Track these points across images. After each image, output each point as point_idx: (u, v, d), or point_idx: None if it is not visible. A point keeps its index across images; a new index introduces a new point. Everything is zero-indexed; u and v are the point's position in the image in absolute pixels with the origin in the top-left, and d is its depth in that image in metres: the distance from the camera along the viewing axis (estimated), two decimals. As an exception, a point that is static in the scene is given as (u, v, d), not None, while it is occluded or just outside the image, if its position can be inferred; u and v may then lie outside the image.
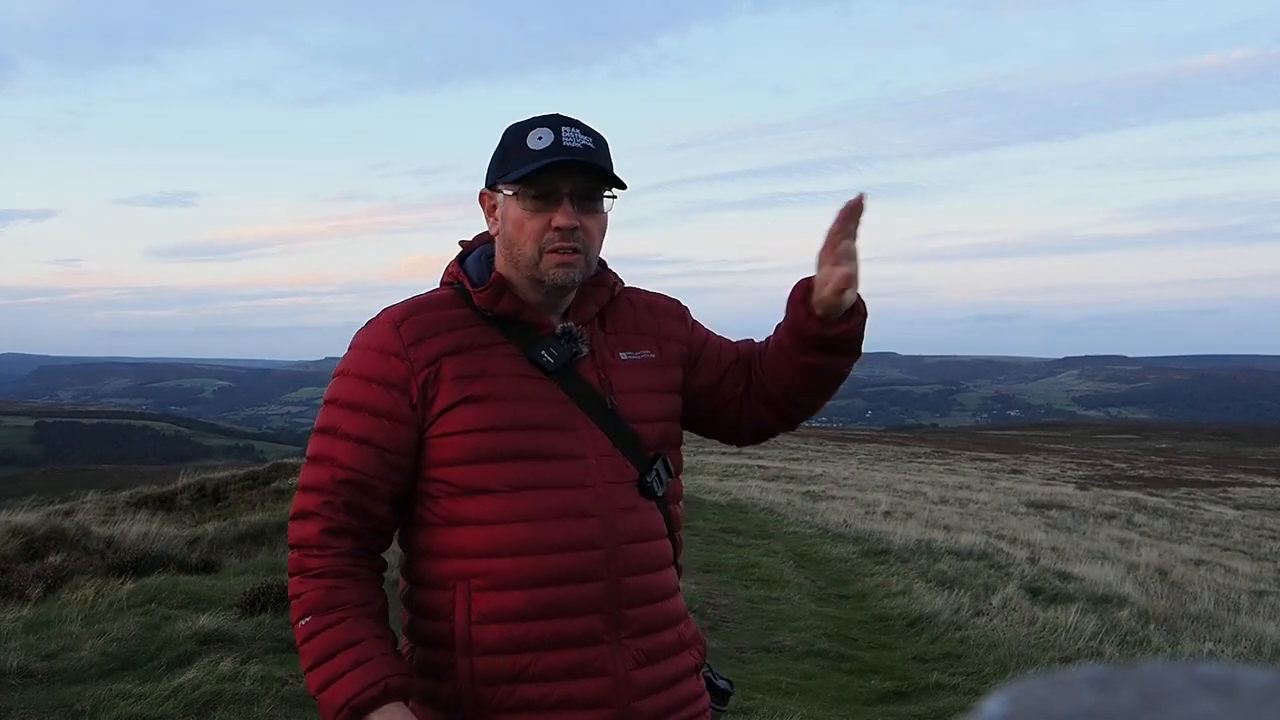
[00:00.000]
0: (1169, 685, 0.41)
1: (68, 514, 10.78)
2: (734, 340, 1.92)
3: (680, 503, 1.84)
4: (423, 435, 1.66)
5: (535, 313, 1.73)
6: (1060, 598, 7.71)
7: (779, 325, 1.78)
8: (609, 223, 1.76)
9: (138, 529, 8.79)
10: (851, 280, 1.61)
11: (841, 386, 1.87)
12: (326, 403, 1.71)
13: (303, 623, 1.63)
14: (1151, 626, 7.12)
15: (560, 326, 1.73)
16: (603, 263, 1.84)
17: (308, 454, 1.71)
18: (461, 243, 1.84)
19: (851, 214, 1.61)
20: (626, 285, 1.88)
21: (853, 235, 1.62)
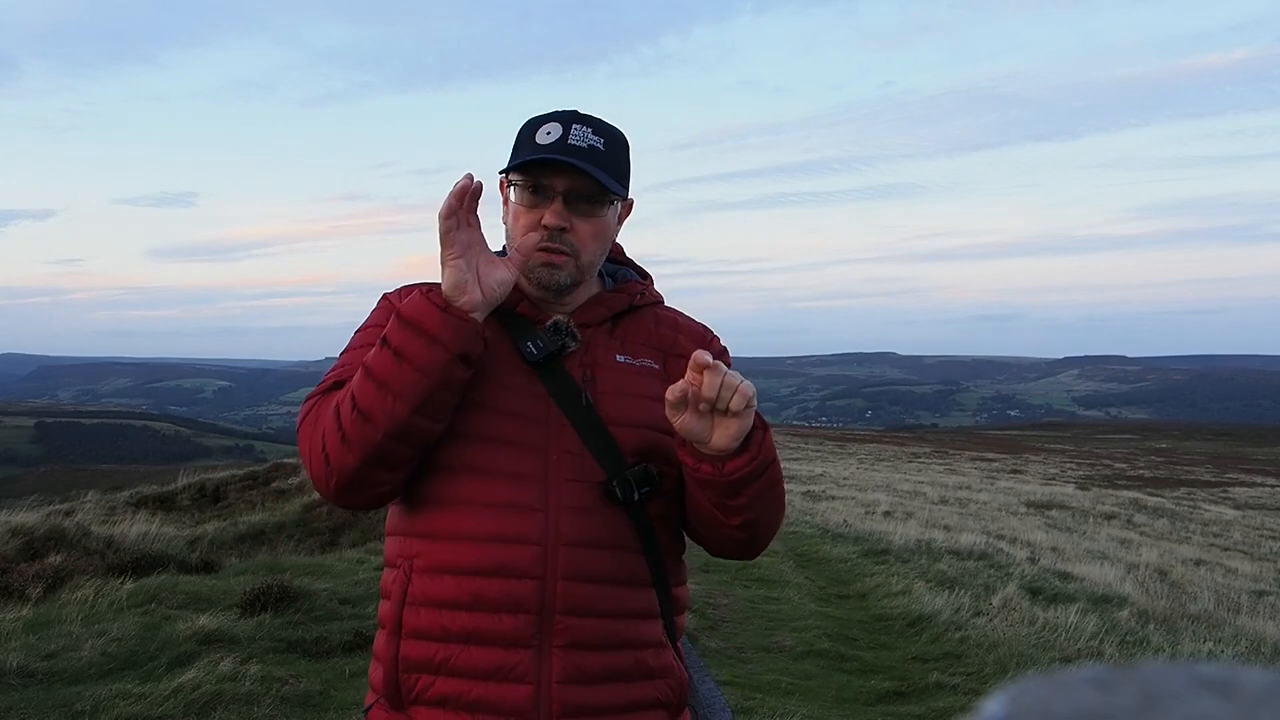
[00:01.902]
0: (1169, 685, 0.41)
1: (68, 514, 10.78)
2: None
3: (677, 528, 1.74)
4: None
5: (533, 307, 1.71)
6: (1060, 598, 7.71)
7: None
8: (615, 227, 1.71)
9: (138, 529, 8.79)
10: (742, 398, 1.49)
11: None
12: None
13: (347, 403, 1.55)
14: (1151, 626, 7.11)
15: (552, 319, 1.70)
16: (644, 275, 1.84)
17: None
18: None
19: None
20: (665, 305, 1.83)
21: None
